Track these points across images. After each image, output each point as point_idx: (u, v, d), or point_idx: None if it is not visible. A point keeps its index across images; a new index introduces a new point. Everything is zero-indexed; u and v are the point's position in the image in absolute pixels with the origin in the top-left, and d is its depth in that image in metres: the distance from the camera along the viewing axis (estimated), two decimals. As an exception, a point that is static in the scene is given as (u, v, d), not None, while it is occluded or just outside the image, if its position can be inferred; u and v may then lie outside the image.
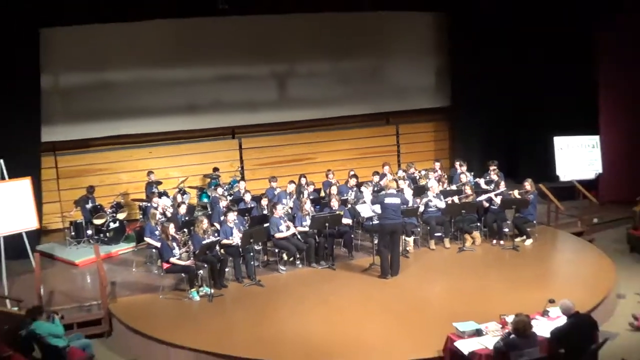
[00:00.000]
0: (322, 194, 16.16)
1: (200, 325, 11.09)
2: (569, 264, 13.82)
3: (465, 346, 9.00)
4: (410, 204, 14.05)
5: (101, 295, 11.99)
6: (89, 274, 14.09)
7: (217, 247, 12.84)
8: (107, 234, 15.58)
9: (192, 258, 12.37)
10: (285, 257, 13.61)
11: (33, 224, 13.89)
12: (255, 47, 18.04)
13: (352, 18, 18.41)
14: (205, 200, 16.38)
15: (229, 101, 18.39)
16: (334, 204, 14.17)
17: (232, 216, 13.21)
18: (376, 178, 15.99)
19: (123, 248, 15.44)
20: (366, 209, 13.68)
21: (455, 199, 14.78)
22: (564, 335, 8.88)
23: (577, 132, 17.11)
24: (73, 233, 15.67)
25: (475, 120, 19.53)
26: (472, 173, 16.35)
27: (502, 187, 14.85)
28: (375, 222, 13.49)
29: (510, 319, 9.04)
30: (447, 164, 19.08)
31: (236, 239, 12.97)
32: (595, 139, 17.19)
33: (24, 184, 13.69)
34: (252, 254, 13.07)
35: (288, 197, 15.13)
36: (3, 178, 13.62)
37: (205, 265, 12.37)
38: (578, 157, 17.15)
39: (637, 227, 15.32)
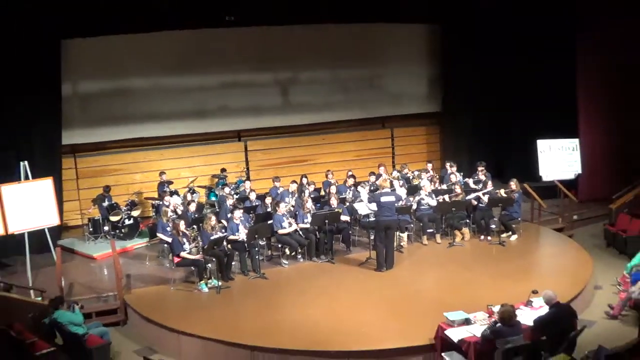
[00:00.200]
0: (322, 193, 16.15)
1: (209, 314, 11.12)
2: (550, 258, 13.84)
3: (455, 334, 9.05)
4: (403, 202, 14.09)
5: (117, 286, 12.04)
6: (105, 267, 14.12)
7: (225, 243, 12.86)
8: (123, 230, 15.57)
9: (201, 252, 12.43)
10: (287, 251, 13.64)
11: (54, 221, 13.93)
12: (260, 56, 18.01)
13: (350, 29, 18.36)
14: (214, 198, 16.36)
15: (235, 106, 18.37)
16: (333, 202, 14.21)
17: (238, 213, 13.22)
18: (372, 178, 15.96)
19: (137, 243, 15.46)
20: (363, 207, 13.71)
21: (446, 197, 14.81)
22: (546, 323, 8.93)
23: (558, 136, 17.11)
24: (91, 229, 15.69)
25: (465, 124, 19.52)
26: (462, 173, 16.37)
27: (490, 186, 14.87)
28: (372, 219, 13.51)
29: (496, 308, 9.06)
30: (439, 165, 19.06)
31: (242, 234, 12.97)
32: (575, 142, 17.20)
33: (46, 184, 13.72)
34: (257, 248, 13.10)
35: (290, 195, 15.11)
36: (27, 178, 13.66)
37: (214, 259, 12.41)
38: (559, 158, 17.15)
39: (613, 223, 15.39)
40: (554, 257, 13.76)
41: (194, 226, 13.63)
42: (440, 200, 14.63)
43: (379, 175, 16.01)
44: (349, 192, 15.35)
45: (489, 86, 19.00)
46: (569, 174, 17.12)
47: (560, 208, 16.50)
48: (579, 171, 17.19)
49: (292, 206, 14.35)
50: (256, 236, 12.96)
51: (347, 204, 14.67)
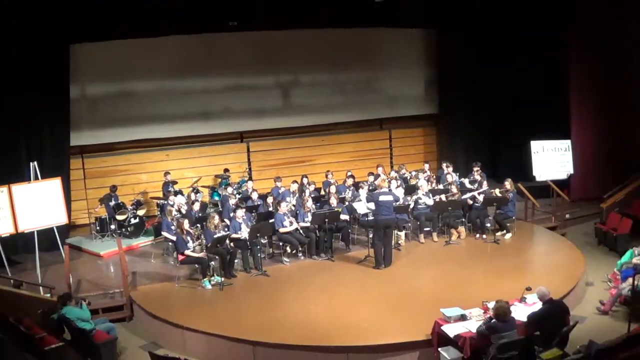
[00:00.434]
0: (322, 192, 16.15)
1: (212, 310, 11.13)
2: (543, 256, 13.85)
3: (451, 330, 9.04)
4: (401, 201, 14.10)
5: (123, 283, 12.03)
6: (112, 265, 14.13)
7: (227, 241, 12.86)
8: (129, 229, 15.60)
9: (204, 250, 12.39)
10: (288, 249, 13.63)
11: (63, 220, 13.92)
12: (262, 59, 18.03)
13: (349, 33, 18.35)
14: (217, 198, 16.35)
15: (238, 109, 18.38)
16: (333, 201, 14.22)
17: (240, 213, 13.23)
18: (371, 178, 15.95)
19: (143, 241, 15.47)
20: (362, 206, 13.71)
21: (443, 197, 14.78)
22: (539, 319, 8.93)
23: (551, 137, 17.12)
24: (98, 228, 15.72)
25: (461, 126, 19.53)
26: (458, 173, 16.37)
27: (485, 186, 14.88)
28: (370, 218, 13.52)
29: (491, 305, 9.05)
30: (435, 165, 19.03)
31: (244, 233, 12.98)
32: (567, 143, 17.20)
33: (55, 184, 13.72)
34: (258, 246, 13.10)
35: (291, 195, 15.11)
36: (36, 178, 13.67)
37: (217, 257, 12.43)
38: (552, 159, 17.15)
39: (604, 222, 15.39)
40: (547, 254, 13.76)
41: (198, 225, 13.60)
42: (437, 199, 14.62)
43: (377, 176, 15.98)
44: (349, 192, 15.34)
45: (484, 88, 19.01)
46: (561, 174, 17.12)
47: (553, 207, 16.50)
48: (571, 171, 17.19)
49: (293, 205, 14.33)
50: (258, 235, 12.97)
51: (347, 203, 14.66)
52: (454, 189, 14.99)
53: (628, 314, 10.71)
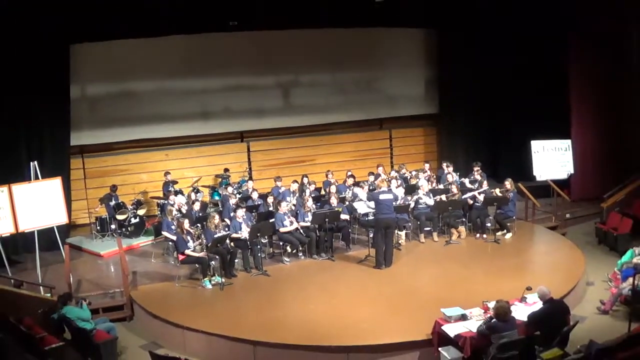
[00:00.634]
0: (323, 192, 16.16)
1: (212, 310, 11.13)
2: (544, 255, 13.83)
3: (451, 329, 9.04)
4: (400, 201, 14.09)
5: (124, 283, 12.02)
6: (112, 264, 14.12)
7: (228, 241, 12.86)
8: (129, 228, 15.59)
9: (205, 250, 12.37)
10: (289, 249, 13.61)
11: (63, 219, 13.91)
12: (262, 59, 18.02)
13: (349, 33, 18.36)
14: (217, 198, 16.34)
15: (238, 108, 18.37)
16: (333, 201, 14.20)
17: (241, 212, 13.23)
18: (371, 178, 15.94)
19: (143, 241, 15.47)
20: (362, 206, 13.71)
21: (443, 197, 14.77)
22: (539, 318, 8.92)
23: (551, 137, 17.11)
24: (98, 227, 15.71)
25: (461, 125, 19.52)
26: (458, 173, 16.38)
27: (485, 186, 14.87)
28: (371, 217, 13.50)
29: (491, 304, 9.04)
30: (435, 165, 19.00)
31: (245, 233, 12.98)
32: (567, 143, 17.19)
33: (55, 184, 13.71)
34: (259, 246, 13.08)
35: (292, 195, 15.11)
36: (37, 178, 13.66)
37: (217, 257, 12.41)
38: (552, 159, 17.14)
39: (604, 221, 15.38)
40: (548, 254, 13.74)
41: (198, 225, 13.60)
42: (438, 199, 14.61)
43: (377, 175, 15.98)
44: (349, 192, 15.33)
45: (484, 88, 19.02)
46: (561, 174, 17.11)
47: (553, 207, 16.48)
48: (572, 171, 17.18)
49: (294, 205, 14.33)
50: (258, 234, 12.96)
51: (347, 203, 14.65)
52: (454, 189, 14.98)
53: (628, 313, 10.70)
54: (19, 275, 13.02)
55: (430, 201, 14.50)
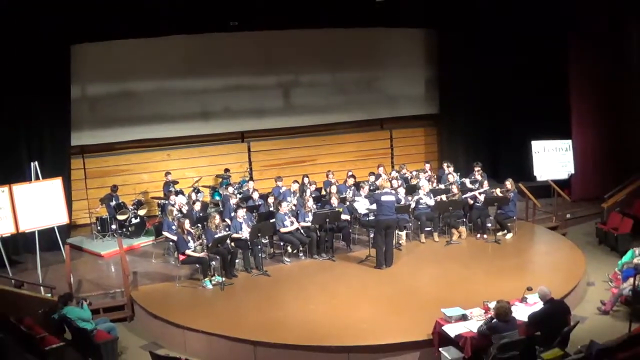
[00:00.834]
0: (323, 192, 16.15)
1: (213, 310, 11.13)
2: (544, 256, 13.81)
3: (452, 330, 9.03)
4: (402, 202, 14.08)
5: (124, 283, 12.02)
6: (113, 265, 14.11)
7: (228, 241, 12.85)
8: (130, 229, 15.58)
9: (205, 250, 12.38)
10: (289, 249, 13.60)
11: (64, 220, 13.91)
12: (262, 59, 18.03)
13: (350, 33, 18.36)
14: (218, 198, 16.33)
15: (238, 109, 18.36)
16: (334, 201, 14.19)
17: (241, 212, 13.22)
18: (372, 178, 15.95)
19: (144, 241, 15.45)
20: (363, 206, 13.70)
21: (444, 197, 14.77)
22: (540, 319, 8.91)
23: (552, 137, 17.08)
24: (99, 227, 15.71)
25: (462, 126, 19.53)
26: (459, 173, 16.40)
27: (486, 186, 14.86)
28: (371, 218, 13.49)
29: (492, 305, 9.05)
30: (436, 165, 19.01)
31: (245, 233, 12.98)
32: (568, 143, 17.16)
33: (56, 184, 13.71)
34: (259, 246, 13.09)
35: (292, 195, 15.12)
36: (37, 178, 13.66)
37: (218, 257, 12.41)
38: (553, 159, 17.10)
39: (605, 222, 15.37)
40: (548, 254, 13.73)
41: (199, 225, 13.60)
42: (438, 199, 14.61)
43: (378, 176, 16.00)
44: (349, 192, 15.33)
45: (485, 88, 19.02)
46: (562, 174, 17.08)
47: (554, 207, 16.46)
48: (572, 171, 17.15)
49: (294, 205, 14.34)
50: (259, 234, 12.97)
51: (348, 203, 14.64)
52: (455, 189, 14.98)
53: (629, 313, 10.69)
54: (20, 276, 13.03)
55: (431, 201, 14.50)
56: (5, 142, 14.55)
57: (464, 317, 9.30)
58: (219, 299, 11.66)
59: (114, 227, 15.70)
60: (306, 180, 15.98)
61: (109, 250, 14.73)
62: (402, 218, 13.93)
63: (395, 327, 9.97)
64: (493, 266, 12.63)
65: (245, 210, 13.47)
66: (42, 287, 12.37)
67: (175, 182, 16.67)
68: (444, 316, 9.38)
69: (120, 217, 15.60)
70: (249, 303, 11.43)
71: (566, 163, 17.12)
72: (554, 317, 8.88)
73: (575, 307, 10.75)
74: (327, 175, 16.43)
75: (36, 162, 13.80)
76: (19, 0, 13.47)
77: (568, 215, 16.42)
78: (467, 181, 15.86)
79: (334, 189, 14.98)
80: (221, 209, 14.89)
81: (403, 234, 14.34)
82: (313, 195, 14.95)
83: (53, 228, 13.84)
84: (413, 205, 14.53)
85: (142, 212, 16.00)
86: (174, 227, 13.20)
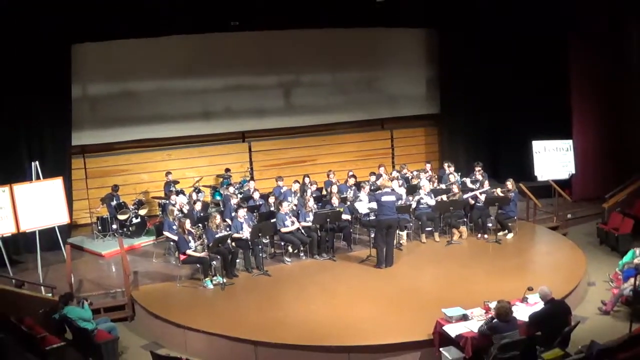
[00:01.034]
0: (324, 192, 16.15)
1: (214, 310, 11.13)
2: (545, 256, 13.80)
3: (452, 330, 9.04)
4: (403, 201, 14.08)
5: (125, 283, 12.03)
6: (114, 264, 14.11)
7: (229, 241, 12.84)
8: (130, 228, 15.58)
9: (206, 250, 12.38)
10: (290, 249, 13.61)
11: (64, 219, 13.91)
12: (263, 59, 18.01)
13: (350, 33, 18.34)
14: (218, 198, 16.34)
15: (239, 108, 18.36)
16: (335, 201, 14.20)
17: (242, 212, 13.22)
18: (373, 178, 15.96)
19: (144, 241, 15.45)
20: (363, 206, 13.70)
21: (444, 197, 14.77)
22: (541, 319, 8.92)
23: (552, 137, 17.07)
24: (100, 227, 15.72)
25: (462, 125, 19.51)
26: (459, 173, 16.39)
27: (486, 186, 14.86)
28: (372, 217, 13.49)
29: (493, 305, 9.07)
30: (437, 165, 19.03)
31: (246, 233, 12.97)
32: (568, 143, 17.13)
33: (56, 184, 13.71)
34: (260, 246, 13.09)
35: (293, 195, 15.13)
36: (38, 178, 13.68)
37: (218, 257, 12.39)
38: (553, 159, 17.07)
39: (605, 222, 15.35)
40: (549, 254, 13.72)
41: (200, 225, 13.62)
42: (439, 199, 14.61)
43: (379, 175, 16.01)
44: (350, 192, 15.33)
45: (485, 88, 18.96)
46: (563, 174, 17.05)
47: (554, 207, 16.44)
48: (573, 171, 17.13)
49: (295, 205, 14.35)
50: (260, 234, 12.97)
51: (348, 203, 14.64)
52: (456, 189, 14.96)
53: (630, 314, 10.68)
54: (20, 275, 13.03)
55: (432, 201, 14.50)
56: (6, 142, 14.55)
57: (464, 317, 9.30)
58: (219, 299, 11.67)
59: (114, 226, 15.71)
60: (307, 180, 15.97)
61: (110, 250, 14.73)
62: (403, 218, 13.92)
63: (396, 327, 9.96)
64: (494, 266, 12.63)
65: (246, 210, 13.46)
66: (42, 287, 12.38)
67: (175, 182, 16.66)
68: (445, 316, 9.38)
69: (121, 217, 15.60)
70: (250, 303, 11.44)
71: (567, 163, 17.10)
72: (555, 317, 8.88)
73: (576, 307, 10.74)
74: (328, 175, 16.43)
75: (37, 162, 13.82)
76: (19, 0, 13.46)
77: (569, 216, 16.42)
78: (468, 181, 15.86)
79: (334, 188, 14.97)
80: (222, 209, 14.89)
81: (404, 234, 14.33)
82: (314, 195, 14.94)
83: (54, 228, 13.85)
84: (414, 205, 14.53)
85: (142, 212, 15.99)
86: (174, 227, 13.20)
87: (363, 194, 14.28)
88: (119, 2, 14.30)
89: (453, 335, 8.97)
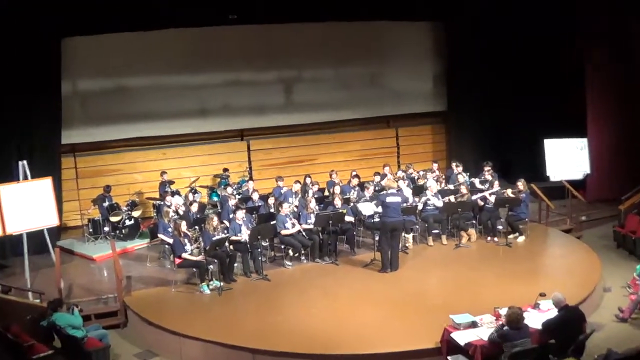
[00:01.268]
0: (326, 193, 16.13)
1: (210, 317, 11.09)
2: (558, 260, 13.76)
3: (461, 337, 8.99)
4: (409, 202, 14.03)
5: (117, 288, 12.00)
6: (105, 269, 14.05)
7: (227, 244, 12.82)
8: (123, 231, 15.53)
9: (202, 254, 12.37)
10: (290, 252, 13.59)
11: (54, 221, 13.89)
12: (263, 54, 17.99)
13: (354, 27, 18.32)
14: (216, 199, 16.34)
15: (238, 105, 18.33)
16: (337, 202, 14.16)
17: (240, 214, 13.19)
18: (377, 178, 15.95)
19: (138, 244, 15.40)
20: (367, 208, 13.65)
21: (452, 198, 14.75)
22: (554, 326, 8.87)
23: (566, 135, 17.03)
24: (91, 230, 15.65)
25: (471, 123, 19.47)
26: (468, 173, 16.35)
27: (496, 186, 14.82)
28: (377, 219, 13.44)
29: (503, 311, 9.00)
30: (444, 164, 19.01)
31: (244, 235, 12.95)
32: (583, 141, 17.11)
33: (46, 184, 13.67)
34: (259, 249, 13.06)
35: (294, 196, 15.11)
36: (26, 178, 13.62)
37: (215, 261, 12.39)
38: (567, 158, 17.07)
39: (622, 224, 15.27)
40: (562, 258, 13.68)
41: (196, 227, 13.60)
42: (446, 200, 14.57)
43: (383, 175, 16.01)
44: (353, 192, 15.30)
45: (495, 84, 18.90)
46: (577, 174, 17.04)
47: (568, 209, 16.40)
48: (588, 171, 17.09)
49: (296, 206, 14.36)
50: (259, 237, 12.94)
51: (352, 204, 14.60)
52: (464, 190, 14.91)
53: (648, 321, 10.64)
54: (7, 280, 12.97)
55: (439, 202, 14.46)
56: (-8, 141, 14.55)
57: (473, 324, 9.27)
58: (216, 305, 11.63)
59: (106, 229, 15.65)
60: (308, 180, 15.97)
61: (102, 253, 14.68)
62: (408, 220, 13.88)
63: (402, 334, 9.92)
64: (504, 270, 12.59)
65: (244, 211, 13.43)
66: (30, 293, 12.33)
67: (171, 182, 16.65)
68: (453, 323, 9.34)
69: (113, 219, 15.54)
70: (248, 309, 11.44)
71: (581, 162, 17.09)
72: (569, 325, 8.84)
73: (591, 314, 10.70)
74: (331, 175, 16.42)
75: (25, 161, 13.76)
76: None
77: (583, 218, 16.36)
78: (476, 181, 15.82)
79: (337, 189, 14.95)
80: (219, 211, 14.87)
81: (410, 236, 14.29)
82: (315, 196, 14.92)
83: (42, 230, 13.83)
84: (420, 206, 14.49)
85: (136, 214, 15.94)
86: (169, 229, 13.18)
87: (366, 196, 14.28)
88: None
89: (462, 343, 8.92)
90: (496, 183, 14.94)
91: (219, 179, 17.60)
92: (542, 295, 9.66)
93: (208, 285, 12.19)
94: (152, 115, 17.47)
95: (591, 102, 17.18)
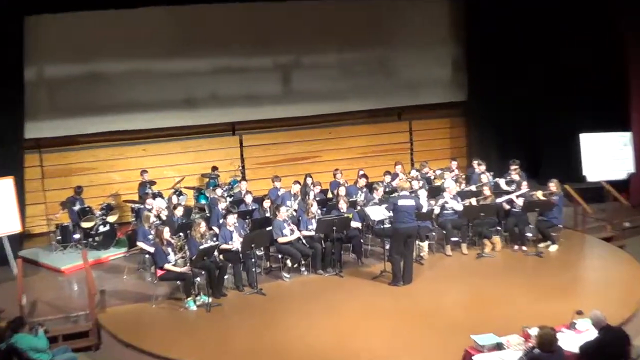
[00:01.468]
0: (330, 195, 16.15)
1: (197, 337, 11.06)
2: (597, 272, 13.74)
3: (484, 361, 8.92)
4: (424, 206, 13.97)
5: (89, 304, 11.94)
6: (76, 282, 14.06)
7: (216, 253, 12.80)
8: (96, 238, 15.53)
9: (188, 264, 12.31)
10: (289, 263, 13.54)
11: (15, 228, 13.96)
12: (257, 36, 18.05)
13: (360, 5, 18.40)
14: (203, 201, 16.40)
15: (229, 95, 18.42)
16: (342, 206, 14.12)
17: (231, 219, 13.14)
18: (388, 178, 15.99)
19: (113, 253, 15.42)
20: (376, 212, 13.58)
21: (473, 200, 14.77)
22: (594, 350, 8.77)
23: (606, 129, 16.97)
24: (59, 237, 15.66)
25: (495, 115, 19.55)
26: (492, 173, 16.30)
27: (525, 188, 14.78)
28: (387, 225, 13.39)
29: (533, 331, 8.93)
30: (464, 162, 19.06)
31: (236, 243, 12.93)
32: (626, 136, 17.07)
33: (6, 184, 13.73)
34: (253, 260, 13.05)
35: (292, 198, 15.15)
36: (-17, 178, 13.64)
37: (203, 272, 12.35)
38: (607, 155, 17.03)
39: (672, 232, 15.26)
40: (602, 271, 13.67)
41: (181, 234, 13.55)
42: (467, 204, 14.57)
43: (395, 175, 16.05)
44: (361, 195, 15.31)
45: (523, 70, 18.91)
46: (619, 174, 17.01)
47: (608, 213, 16.44)
48: (632, 170, 17.03)
49: (295, 210, 14.40)
50: (253, 245, 12.92)
51: (359, 208, 14.59)
52: (487, 191, 14.88)
53: None
54: (-39, 296, 12.98)
55: (459, 206, 14.44)
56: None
57: (498, 346, 9.19)
58: (204, 323, 11.61)
59: (77, 236, 15.66)
60: (309, 180, 16.00)
61: (71, 264, 14.68)
62: (423, 226, 13.89)
63: (416, 356, 9.92)
64: (534, 284, 12.54)
65: (236, 216, 13.39)
66: (-14, 311, 12.29)
67: (152, 183, 16.71)
68: (475, 344, 9.27)
69: (85, 225, 15.54)
70: (240, 327, 11.41)
71: (624, 160, 17.02)
72: (610, 348, 8.75)
73: (636, 337, 10.56)
74: (335, 175, 16.43)
75: (-18, 159, 13.78)
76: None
77: (626, 224, 16.33)
78: (501, 182, 15.79)
79: (342, 191, 14.92)
80: (207, 215, 14.91)
81: (425, 245, 14.28)
82: (317, 199, 14.93)
83: (1, 238, 13.83)
84: (437, 210, 14.49)
85: (111, 219, 15.97)
86: (150, 237, 13.20)
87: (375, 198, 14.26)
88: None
89: (485, 368, 8.84)
90: (524, 184, 14.88)
91: (207, 179, 17.72)
92: (579, 313, 9.60)
93: (194, 301, 12.18)
94: (130, 106, 17.54)
95: (636, 89, 17.10)
